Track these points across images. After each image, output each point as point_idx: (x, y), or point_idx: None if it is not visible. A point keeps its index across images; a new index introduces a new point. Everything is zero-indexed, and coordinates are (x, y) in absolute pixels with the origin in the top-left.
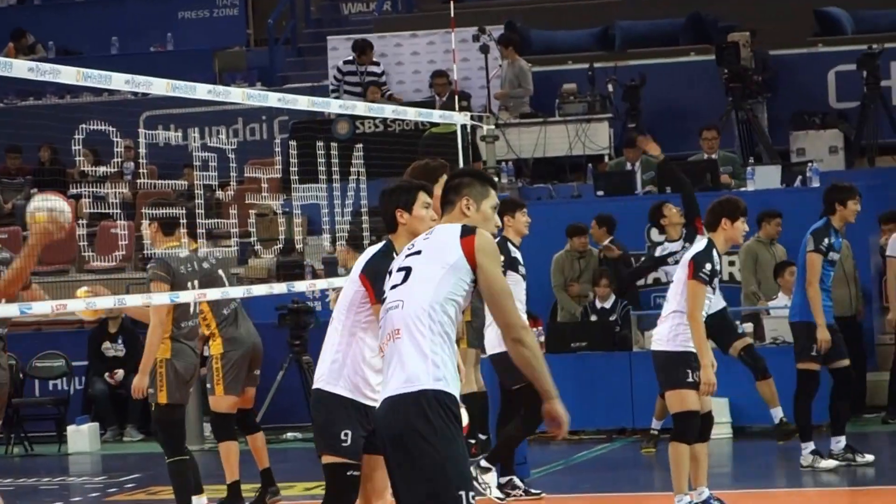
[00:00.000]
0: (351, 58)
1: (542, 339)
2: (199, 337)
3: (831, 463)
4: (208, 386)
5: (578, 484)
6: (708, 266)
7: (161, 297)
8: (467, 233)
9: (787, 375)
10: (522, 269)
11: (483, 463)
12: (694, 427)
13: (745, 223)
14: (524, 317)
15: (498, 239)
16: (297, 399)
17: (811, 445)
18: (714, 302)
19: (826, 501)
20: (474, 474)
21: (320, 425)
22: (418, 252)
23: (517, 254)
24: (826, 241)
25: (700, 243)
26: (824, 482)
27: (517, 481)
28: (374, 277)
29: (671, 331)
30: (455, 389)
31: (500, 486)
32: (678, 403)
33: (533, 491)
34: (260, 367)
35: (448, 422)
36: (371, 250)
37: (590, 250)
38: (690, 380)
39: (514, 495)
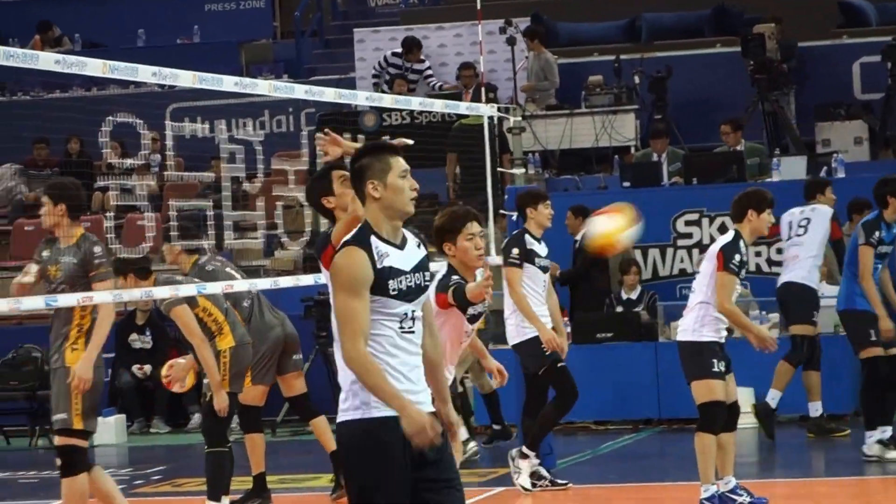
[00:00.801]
0: (399, 51)
1: (569, 329)
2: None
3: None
4: (206, 381)
5: (605, 474)
6: (737, 257)
7: (188, 289)
8: (333, 255)
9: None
10: (540, 262)
11: (523, 449)
12: (720, 417)
13: (772, 215)
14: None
15: (516, 231)
16: (323, 391)
17: (878, 434)
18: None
19: (856, 490)
20: (512, 456)
21: None
22: None
23: (534, 245)
24: (877, 234)
25: (727, 235)
26: (862, 472)
27: (543, 472)
28: None
29: (697, 321)
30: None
31: (531, 475)
32: (704, 393)
33: (559, 481)
34: (298, 351)
35: (355, 452)
36: None
37: None
38: (716, 369)
39: (541, 485)
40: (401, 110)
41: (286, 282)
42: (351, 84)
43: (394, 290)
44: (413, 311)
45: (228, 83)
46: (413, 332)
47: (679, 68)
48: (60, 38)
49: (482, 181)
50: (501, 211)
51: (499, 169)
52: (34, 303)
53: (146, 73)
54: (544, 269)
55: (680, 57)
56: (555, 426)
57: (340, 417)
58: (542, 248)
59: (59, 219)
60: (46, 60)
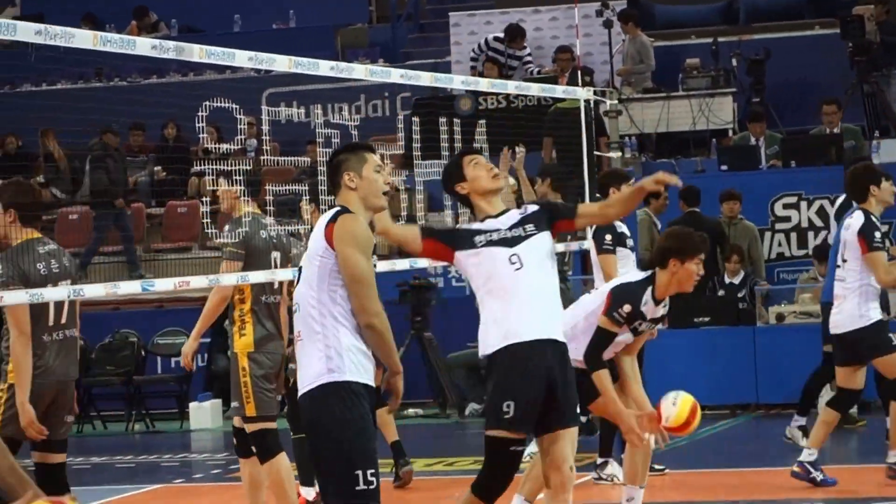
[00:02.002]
0: (501, 36)
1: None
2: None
3: None
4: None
5: (701, 460)
6: (878, 234)
7: (284, 273)
8: (331, 220)
9: None
10: (630, 242)
11: (598, 461)
12: None
13: (892, 183)
14: None
15: None
16: (419, 376)
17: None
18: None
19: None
20: (597, 475)
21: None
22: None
23: (623, 228)
24: None
25: (857, 218)
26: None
27: (614, 464)
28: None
29: (857, 308)
30: (354, 376)
31: (597, 467)
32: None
33: (656, 466)
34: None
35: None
36: None
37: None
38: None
39: (605, 476)
40: (497, 94)
41: (382, 266)
42: (446, 68)
43: (374, 265)
44: None
45: (324, 68)
46: None
47: (777, 51)
48: (157, 23)
49: (578, 165)
50: (598, 195)
51: (595, 153)
52: (131, 287)
53: (242, 59)
54: (633, 250)
55: (778, 39)
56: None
57: (311, 384)
58: (627, 229)
59: None
60: (143, 46)
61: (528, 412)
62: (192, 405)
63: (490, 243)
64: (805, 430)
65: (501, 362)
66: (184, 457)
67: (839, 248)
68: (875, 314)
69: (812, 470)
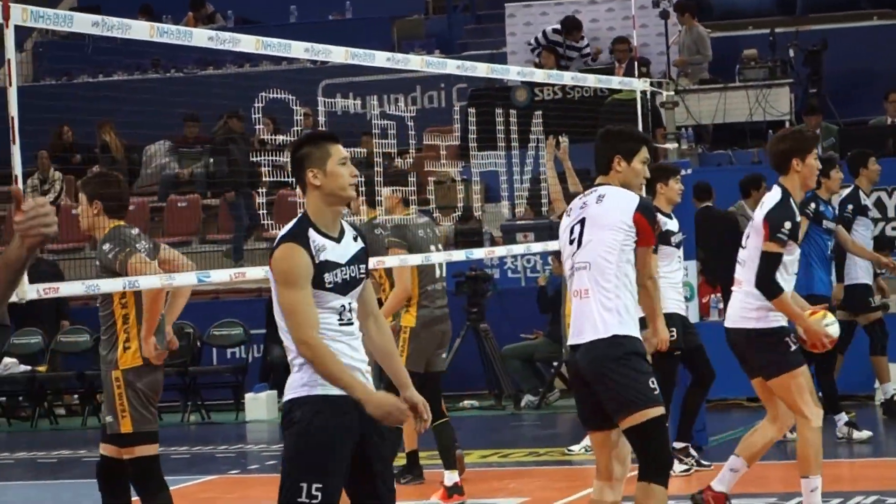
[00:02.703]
0: (559, 27)
1: (721, 306)
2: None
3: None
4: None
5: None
6: None
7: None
8: (272, 252)
9: None
10: (676, 239)
11: (677, 446)
12: None
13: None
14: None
15: None
16: (474, 367)
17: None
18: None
19: None
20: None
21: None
22: None
23: (668, 224)
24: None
25: None
26: None
27: (692, 450)
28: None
29: None
30: (327, 389)
31: (674, 451)
32: None
33: (704, 463)
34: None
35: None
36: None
37: None
38: None
39: (688, 463)
40: (553, 85)
41: (437, 257)
42: (502, 59)
43: (329, 283)
44: (350, 304)
45: (380, 59)
46: (352, 323)
47: (834, 41)
48: (213, 14)
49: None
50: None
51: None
52: (186, 278)
53: (299, 50)
54: (678, 246)
55: (836, 30)
56: (699, 409)
57: (286, 397)
58: (674, 224)
59: None
60: (200, 37)
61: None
62: (248, 396)
63: None
64: (854, 424)
65: None
66: (239, 448)
67: None
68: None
69: None
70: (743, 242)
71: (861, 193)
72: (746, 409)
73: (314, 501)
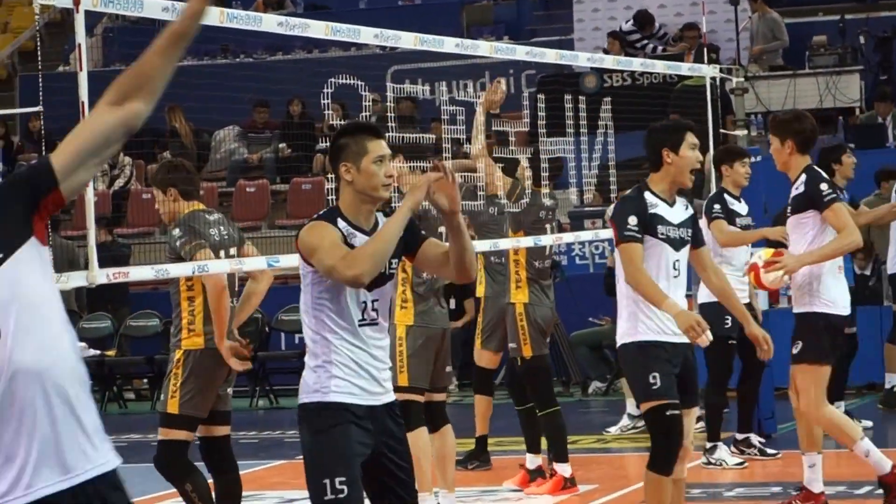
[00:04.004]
0: (633, 22)
1: (790, 294)
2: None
3: None
4: (512, 345)
5: (826, 440)
6: None
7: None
8: (299, 233)
9: None
10: (741, 221)
11: (707, 445)
12: None
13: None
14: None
15: (715, 191)
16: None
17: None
18: None
19: None
20: (706, 460)
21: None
22: None
23: (735, 206)
24: None
25: None
26: None
27: (754, 439)
28: (618, 220)
29: None
30: (339, 397)
31: (736, 443)
32: None
33: (769, 451)
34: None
35: (309, 431)
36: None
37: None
38: None
39: (749, 453)
40: (622, 71)
41: (505, 244)
42: (570, 45)
43: None
44: (375, 301)
45: (449, 45)
46: (376, 323)
47: None
48: (283, 0)
49: (705, 143)
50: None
51: (721, 130)
52: (256, 263)
53: (368, 35)
54: (745, 229)
55: None
56: (755, 400)
57: (300, 400)
58: (742, 207)
59: None
60: (269, 23)
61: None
62: None
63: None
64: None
65: None
66: (280, 434)
67: None
68: None
69: None
70: None
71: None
72: None
73: (341, 496)
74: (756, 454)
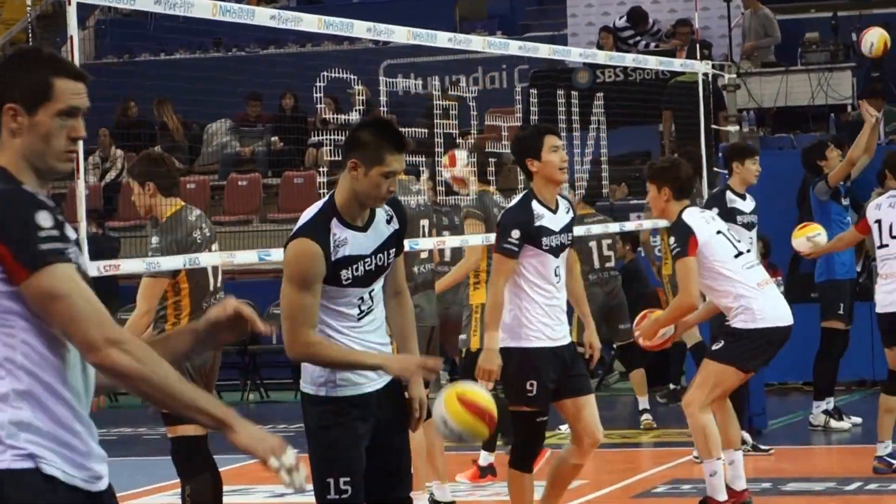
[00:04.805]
0: (627, 19)
1: (782, 289)
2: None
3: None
4: (462, 337)
5: (814, 436)
6: None
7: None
8: (287, 242)
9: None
10: (743, 219)
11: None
12: None
13: None
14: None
15: (718, 188)
16: None
17: (823, 405)
18: None
19: None
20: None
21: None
22: None
23: (737, 203)
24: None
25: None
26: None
27: (746, 436)
28: (502, 229)
29: None
30: (344, 391)
31: None
32: None
33: (762, 447)
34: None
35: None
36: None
37: None
38: None
39: (742, 450)
40: (614, 67)
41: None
42: (564, 40)
43: (347, 279)
44: (372, 292)
45: (442, 39)
46: (371, 311)
47: None
48: None
49: (697, 139)
50: (715, 168)
51: (713, 126)
52: (247, 256)
53: (361, 29)
54: (748, 227)
55: None
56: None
57: (302, 388)
58: (747, 204)
59: None
60: (262, 16)
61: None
62: None
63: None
64: (830, 414)
65: None
66: (298, 427)
67: (886, 225)
68: None
69: (893, 461)
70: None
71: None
72: (806, 392)
73: (345, 496)
74: (749, 450)
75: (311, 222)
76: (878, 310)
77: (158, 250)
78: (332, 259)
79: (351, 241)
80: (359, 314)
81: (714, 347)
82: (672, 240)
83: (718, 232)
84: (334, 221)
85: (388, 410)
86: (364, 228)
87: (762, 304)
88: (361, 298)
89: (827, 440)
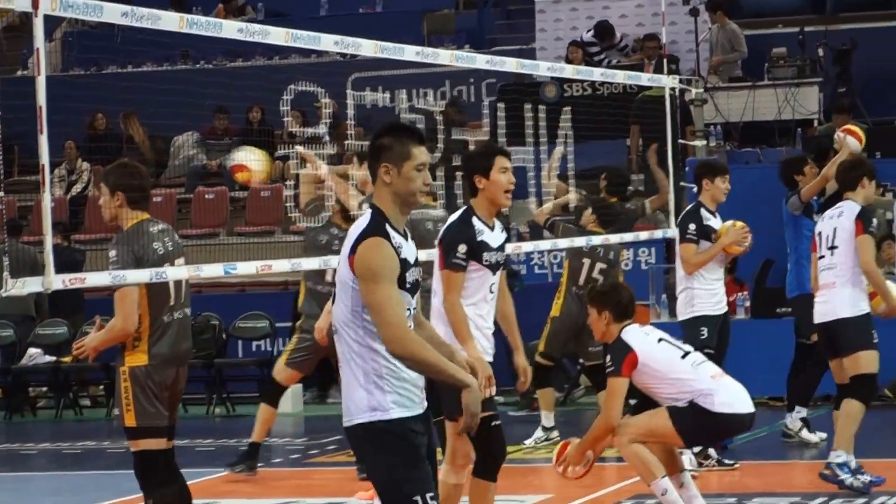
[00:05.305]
0: (594, 33)
1: (747, 304)
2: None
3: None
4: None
5: (781, 451)
6: (874, 221)
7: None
8: (355, 248)
9: None
10: (715, 236)
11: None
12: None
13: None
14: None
15: (691, 205)
16: (501, 363)
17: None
18: None
19: None
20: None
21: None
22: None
23: (710, 221)
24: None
25: (853, 205)
26: None
27: (711, 451)
28: (448, 245)
29: (852, 297)
30: (397, 412)
31: (695, 455)
32: (865, 364)
33: (727, 462)
34: None
35: (378, 453)
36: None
37: None
38: (876, 340)
39: (707, 465)
40: (582, 81)
41: None
42: (532, 55)
43: (408, 282)
44: (413, 308)
45: (410, 53)
46: (414, 327)
47: (864, 41)
48: (243, 6)
49: (664, 153)
50: (682, 183)
51: (680, 141)
52: (213, 270)
53: (328, 43)
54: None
55: (865, 29)
56: None
57: (355, 420)
58: (717, 222)
59: None
60: (229, 29)
61: None
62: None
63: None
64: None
65: None
66: (263, 441)
67: (825, 237)
68: (865, 305)
69: (840, 473)
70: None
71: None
72: (772, 407)
73: None
74: (714, 465)
75: (373, 225)
76: (815, 320)
77: (117, 262)
78: (400, 257)
79: (404, 247)
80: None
81: (679, 404)
82: (608, 357)
83: (660, 340)
84: (388, 227)
85: (429, 438)
86: (405, 236)
87: (721, 394)
88: (409, 311)
89: (792, 455)
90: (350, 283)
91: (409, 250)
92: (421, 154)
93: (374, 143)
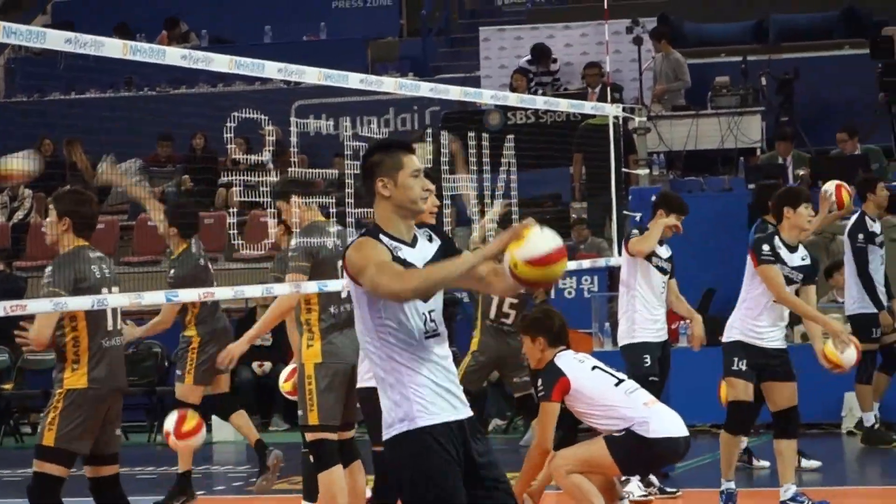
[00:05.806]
0: (530, 58)
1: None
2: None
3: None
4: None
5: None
6: (765, 248)
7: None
8: (344, 255)
9: None
10: (659, 263)
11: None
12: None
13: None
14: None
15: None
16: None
17: None
18: None
19: None
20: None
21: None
22: None
23: (658, 250)
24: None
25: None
26: None
27: (652, 478)
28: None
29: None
30: (426, 420)
31: (640, 481)
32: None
33: (668, 490)
34: None
35: (405, 467)
36: None
37: None
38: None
39: (649, 492)
40: (525, 109)
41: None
42: (476, 83)
43: None
44: (432, 312)
45: (354, 80)
46: (437, 334)
47: (806, 70)
48: (187, 33)
49: (607, 182)
50: (625, 212)
51: (623, 170)
52: (155, 297)
53: (272, 70)
54: (663, 272)
55: (808, 59)
56: None
57: (386, 434)
58: (662, 250)
59: None
60: (173, 56)
61: None
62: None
63: None
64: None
65: None
66: (205, 468)
67: None
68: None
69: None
70: None
71: (867, 219)
72: (714, 435)
73: None
74: (656, 493)
75: (361, 234)
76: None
77: (51, 283)
78: (394, 255)
79: (404, 249)
80: (424, 333)
81: (615, 433)
82: (539, 382)
83: (594, 368)
84: (383, 237)
85: (480, 443)
86: (412, 244)
87: (654, 421)
88: (425, 315)
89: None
90: (355, 292)
91: (415, 255)
92: (413, 162)
93: (364, 164)
